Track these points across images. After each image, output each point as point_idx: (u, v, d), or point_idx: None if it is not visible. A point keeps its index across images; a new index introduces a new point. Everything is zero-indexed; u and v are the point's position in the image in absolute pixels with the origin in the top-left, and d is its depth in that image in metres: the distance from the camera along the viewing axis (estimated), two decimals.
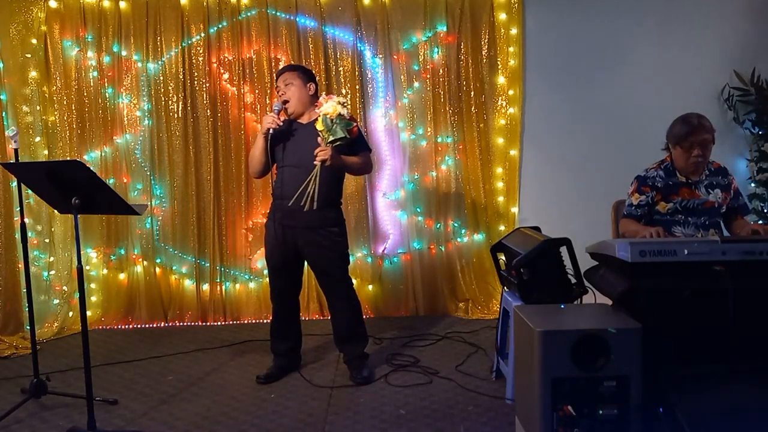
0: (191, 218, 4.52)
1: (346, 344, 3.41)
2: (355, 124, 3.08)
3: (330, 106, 3.01)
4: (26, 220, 3.14)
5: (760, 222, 4.33)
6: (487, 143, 4.55)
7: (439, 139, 4.54)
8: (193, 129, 4.48)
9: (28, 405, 2.98)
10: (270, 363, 3.42)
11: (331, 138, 3.02)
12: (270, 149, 3.19)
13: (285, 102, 3.23)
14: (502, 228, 4.53)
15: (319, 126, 3.04)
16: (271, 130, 3.15)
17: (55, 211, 3.15)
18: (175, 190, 4.52)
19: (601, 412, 2.17)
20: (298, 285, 3.45)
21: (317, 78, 3.56)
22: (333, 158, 3.04)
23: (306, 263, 3.40)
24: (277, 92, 3.31)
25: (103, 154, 4.48)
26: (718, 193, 3.04)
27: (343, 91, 4.48)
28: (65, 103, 4.41)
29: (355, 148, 3.22)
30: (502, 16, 4.48)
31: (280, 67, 3.65)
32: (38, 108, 4.35)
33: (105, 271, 4.55)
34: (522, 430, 2.43)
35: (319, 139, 3.06)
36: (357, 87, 4.46)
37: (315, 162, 3.04)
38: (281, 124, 3.18)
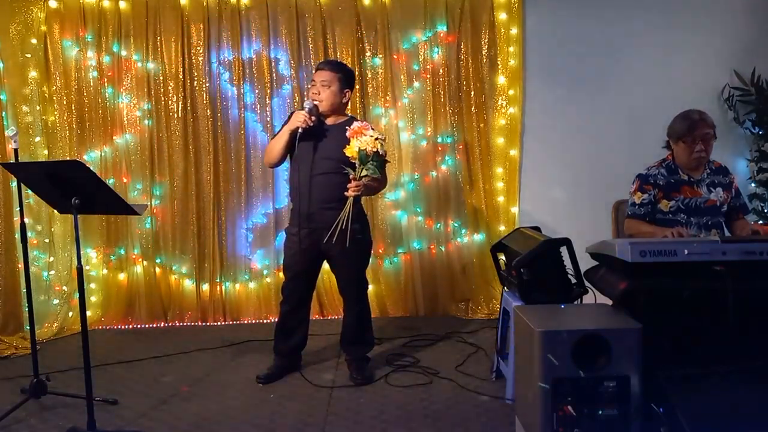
0: (191, 218, 4.51)
1: (352, 346, 3.42)
2: (388, 162, 3.07)
3: (369, 142, 2.97)
4: (26, 220, 3.14)
5: (761, 222, 4.33)
6: (487, 143, 4.55)
7: (439, 139, 4.54)
8: (193, 129, 4.48)
9: (28, 405, 2.98)
10: (270, 363, 3.42)
11: (364, 173, 3.02)
12: (291, 145, 3.16)
13: (315, 101, 3.18)
14: (502, 228, 4.52)
15: (349, 152, 3.01)
16: (300, 130, 3.10)
17: (55, 211, 3.15)
18: (175, 190, 4.51)
19: (601, 412, 2.17)
20: (313, 289, 3.45)
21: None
22: (362, 191, 3.09)
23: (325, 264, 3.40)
24: (312, 84, 3.27)
25: (103, 154, 4.48)
26: (720, 191, 3.04)
27: None
28: (65, 103, 4.41)
29: None
30: (502, 16, 4.47)
31: (324, 60, 3.54)
32: (38, 108, 4.35)
33: (105, 271, 4.55)
34: (522, 430, 2.43)
35: (351, 176, 3.05)
36: (357, 87, 4.45)
37: (346, 194, 3.06)
38: (311, 124, 3.12)
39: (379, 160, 3.01)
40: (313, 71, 3.37)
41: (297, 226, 3.20)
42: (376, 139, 2.98)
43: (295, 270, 3.27)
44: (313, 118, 3.13)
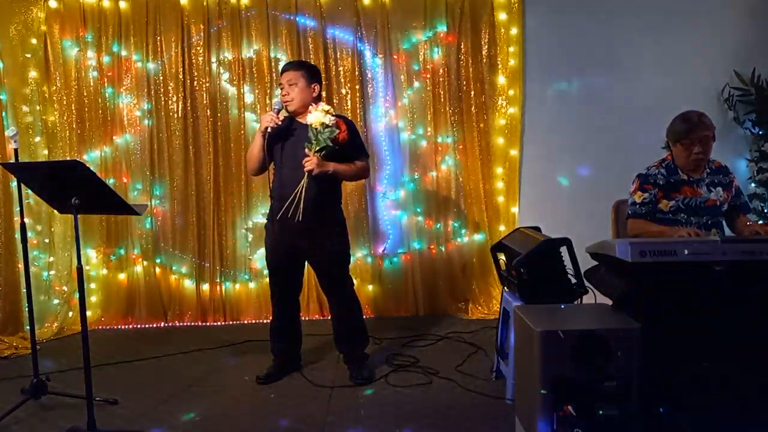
0: (191, 218, 4.52)
1: (346, 345, 3.41)
2: (339, 131, 3.07)
3: (315, 116, 3.04)
4: (26, 220, 3.13)
5: (761, 222, 4.33)
6: (487, 143, 4.55)
7: (439, 139, 4.54)
8: (193, 129, 4.48)
9: (28, 405, 2.98)
10: (270, 363, 3.42)
11: (317, 147, 3.05)
12: (268, 147, 3.19)
13: (286, 102, 3.22)
14: (502, 228, 4.52)
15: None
16: (269, 129, 3.15)
17: (55, 211, 3.15)
18: (175, 190, 4.52)
19: (601, 412, 2.16)
20: (299, 286, 3.45)
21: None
22: (319, 167, 3.06)
23: (306, 263, 3.40)
24: (280, 88, 3.30)
25: (103, 154, 4.48)
26: (720, 191, 3.04)
27: (343, 91, 4.48)
28: (65, 103, 4.41)
29: (352, 153, 3.23)
30: (502, 16, 4.47)
31: (286, 62, 3.61)
32: (38, 108, 4.36)
33: (105, 271, 4.55)
34: (522, 430, 2.43)
35: (306, 150, 3.08)
36: (357, 87, 4.46)
37: (304, 170, 3.06)
38: (280, 123, 3.17)
39: (328, 130, 3.03)
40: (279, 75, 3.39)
41: (273, 221, 3.25)
42: (324, 111, 3.03)
43: (273, 265, 3.32)
44: (281, 116, 3.17)
